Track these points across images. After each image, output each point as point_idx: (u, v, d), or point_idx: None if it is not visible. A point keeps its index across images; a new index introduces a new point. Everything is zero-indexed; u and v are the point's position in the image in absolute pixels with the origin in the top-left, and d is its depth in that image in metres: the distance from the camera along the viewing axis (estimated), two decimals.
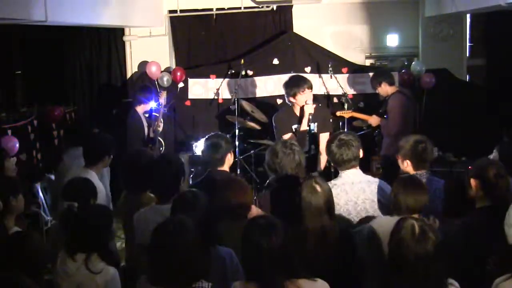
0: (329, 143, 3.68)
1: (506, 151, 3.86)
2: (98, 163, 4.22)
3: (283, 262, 2.36)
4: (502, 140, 3.97)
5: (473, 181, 3.07)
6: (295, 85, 4.93)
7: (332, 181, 3.63)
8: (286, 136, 4.83)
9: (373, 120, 6.17)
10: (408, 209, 3.04)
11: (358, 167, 3.67)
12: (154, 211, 3.39)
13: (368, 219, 3.44)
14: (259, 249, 2.35)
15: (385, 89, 6.10)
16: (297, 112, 5.00)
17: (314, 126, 4.77)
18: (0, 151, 4.71)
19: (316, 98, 5.14)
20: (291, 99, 4.97)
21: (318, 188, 3.02)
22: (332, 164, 5.29)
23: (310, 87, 4.96)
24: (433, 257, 2.32)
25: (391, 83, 6.14)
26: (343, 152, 3.58)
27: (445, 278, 2.41)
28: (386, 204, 3.43)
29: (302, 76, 5.25)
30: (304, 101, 4.87)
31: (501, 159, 3.76)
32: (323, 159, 4.80)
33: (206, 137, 4.04)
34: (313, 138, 4.78)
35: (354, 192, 3.58)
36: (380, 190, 3.60)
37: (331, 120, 5.38)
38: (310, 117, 4.74)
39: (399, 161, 3.78)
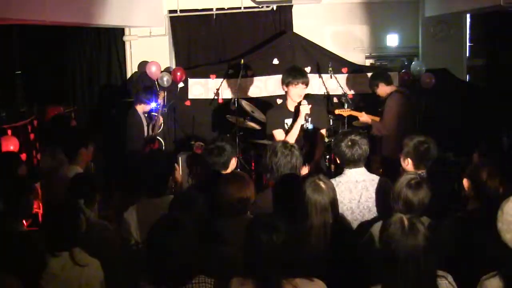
0: (338, 142, 3.65)
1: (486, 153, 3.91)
2: (77, 158, 4.22)
3: (282, 261, 2.38)
4: (480, 143, 4.00)
5: (465, 182, 3.15)
6: (292, 75, 4.74)
7: (337, 179, 3.63)
8: (277, 131, 4.72)
9: (364, 117, 6.12)
10: (409, 208, 3.02)
11: (363, 166, 3.68)
12: (143, 206, 3.47)
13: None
14: (259, 245, 2.37)
15: (383, 89, 6.04)
16: (290, 108, 4.83)
17: (310, 126, 4.69)
18: None
19: (311, 97, 4.98)
20: (284, 87, 4.81)
21: (323, 185, 3.02)
22: (332, 164, 5.28)
23: (306, 84, 4.77)
24: (424, 251, 2.29)
25: (388, 83, 6.08)
26: (354, 152, 3.58)
27: (436, 272, 2.39)
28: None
29: (302, 70, 4.99)
30: (295, 94, 4.72)
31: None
32: (317, 153, 4.79)
33: (212, 139, 4.01)
34: (309, 136, 4.72)
35: (358, 191, 3.58)
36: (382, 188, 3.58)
37: (328, 117, 5.27)
38: (307, 117, 4.62)
39: (401, 158, 3.79)
